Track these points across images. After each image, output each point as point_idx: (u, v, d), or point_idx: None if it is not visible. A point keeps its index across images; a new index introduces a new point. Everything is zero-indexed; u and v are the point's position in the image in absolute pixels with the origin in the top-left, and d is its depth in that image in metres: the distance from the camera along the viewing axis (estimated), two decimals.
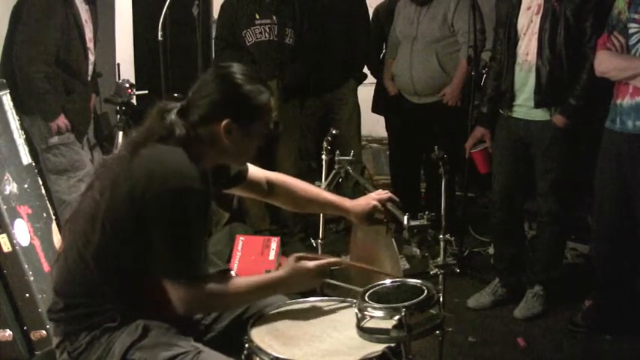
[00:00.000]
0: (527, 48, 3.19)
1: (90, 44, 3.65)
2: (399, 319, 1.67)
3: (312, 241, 2.93)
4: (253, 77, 1.85)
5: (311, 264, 1.90)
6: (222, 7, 4.20)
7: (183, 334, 1.81)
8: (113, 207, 1.74)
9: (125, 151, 1.80)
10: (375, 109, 4.79)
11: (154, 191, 1.69)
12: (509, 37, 3.25)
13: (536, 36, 3.14)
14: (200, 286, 1.75)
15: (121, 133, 3.92)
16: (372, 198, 2.22)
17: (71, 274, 1.82)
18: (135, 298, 1.78)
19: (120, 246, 1.75)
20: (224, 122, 1.79)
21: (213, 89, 1.81)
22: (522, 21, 3.21)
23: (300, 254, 1.93)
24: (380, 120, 4.74)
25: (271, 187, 2.21)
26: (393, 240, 2.22)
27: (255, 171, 2.17)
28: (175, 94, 3.98)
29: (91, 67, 3.70)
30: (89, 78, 3.71)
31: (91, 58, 3.68)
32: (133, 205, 1.71)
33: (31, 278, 2.78)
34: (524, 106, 3.25)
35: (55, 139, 3.52)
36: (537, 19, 3.14)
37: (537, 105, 3.18)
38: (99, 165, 1.92)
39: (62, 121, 3.50)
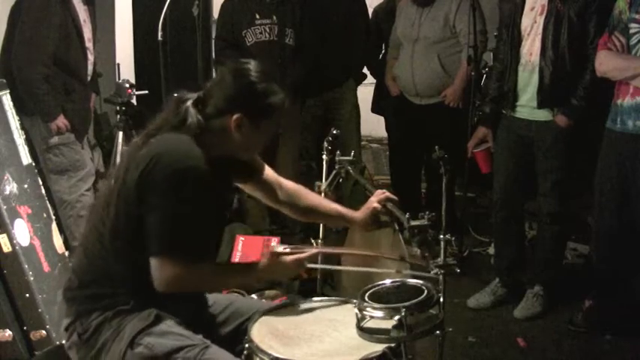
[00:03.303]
0: (531, 48, 3.19)
1: (89, 44, 3.65)
2: (399, 319, 1.67)
3: (312, 240, 2.93)
4: (269, 77, 1.91)
5: (288, 260, 1.94)
6: (223, 7, 4.19)
7: (194, 331, 1.83)
8: (124, 191, 1.79)
9: (140, 139, 1.86)
10: (375, 109, 4.78)
11: (157, 171, 1.74)
12: (513, 38, 3.25)
13: (539, 37, 3.14)
14: (188, 268, 1.75)
15: (121, 133, 3.92)
16: (372, 201, 2.24)
17: (89, 254, 1.88)
18: (147, 284, 1.79)
19: (130, 230, 1.79)
20: (235, 116, 1.85)
21: (228, 83, 1.88)
22: (526, 21, 3.21)
23: (279, 251, 1.97)
24: (380, 120, 4.74)
25: (282, 194, 2.23)
26: (401, 238, 2.22)
27: (270, 173, 2.19)
28: (175, 94, 3.98)
29: (90, 67, 3.69)
30: (89, 78, 3.70)
31: (90, 58, 3.67)
32: (139, 188, 1.76)
33: (31, 278, 2.77)
34: (527, 106, 3.25)
35: (55, 140, 3.52)
36: (541, 20, 3.14)
37: (540, 105, 3.18)
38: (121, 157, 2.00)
39: (62, 121, 3.50)
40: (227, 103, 1.86)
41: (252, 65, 1.89)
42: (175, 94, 1.94)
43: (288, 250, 1.97)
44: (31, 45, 3.36)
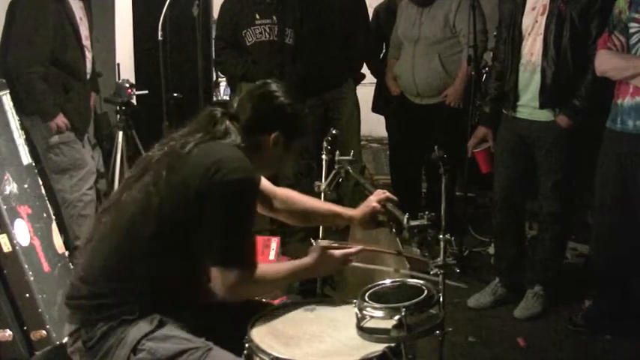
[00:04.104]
0: (532, 48, 3.19)
1: (86, 42, 3.63)
2: (399, 319, 1.67)
3: (312, 240, 2.92)
4: (297, 97, 2.00)
5: (337, 253, 2.01)
6: (223, 7, 4.20)
7: (196, 334, 1.83)
8: (171, 202, 1.79)
9: (178, 147, 1.85)
10: (375, 108, 4.78)
11: (217, 180, 1.76)
12: (514, 38, 3.24)
13: (541, 37, 3.14)
14: (250, 276, 1.81)
15: (121, 133, 3.92)
16: (371, 200, 2.24)
17: (103, 265, 1.85)
18: (157, 294, 1.81)
19: (174, 240, 1.80)
20: (274, 134, 1.92)
21: (260, 104, 1.95)
22: (527, 21, 3.21)
23: (325, 244, 2.03)
24: (380, 120, 4.74)
25: (277, 203, 2.26)
26: (398, 240, 2.22)
27: (266, 184, 2.22)
28: (175, 94, 3.98)
29: (88, 65, 3.67)
30: (88, 76, 3.69)
31: (88, 55, 3.65)
32: (192, 196, 1.77)
33: (31, 278, 2.77)
34: (528, 106, 3.25)
35: (55, 139, 3.51)
36: (542, 20, 3.14)
37: (542, 106, 3.18)
38: (141, 160, 1.98)
39: (61, 120, 3.49)
40: (262, 123, 1.92)
41: (276, 86, 1.98)
42: (207, 108, 1.97)
43: (335, 245, 2.03)
44: (26, 45, 3.35)
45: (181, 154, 1.83)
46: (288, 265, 2.00)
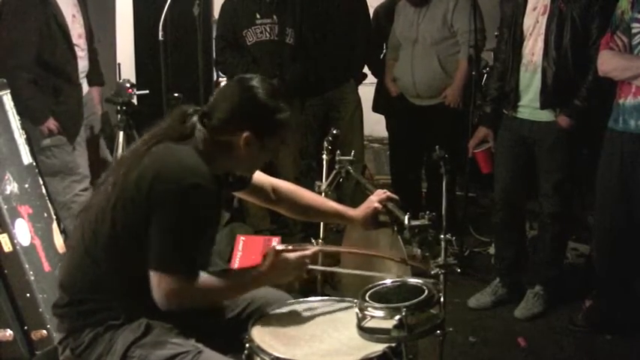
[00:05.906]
0: (533, 49, 3.19)
1: (79, 40, 3.57)
2: (400, 319, 1.67)
3: (313, 240, 2.92)
4: (275, 92, 1.88)
5: (292, 256, 1.91)
6: (223, 6, 4.20)
7: (185, 335, 1.82)
8: (122, 200, 1.76)
9: (140, 147, 1.83)
10: (376, 108, 4.78)
11: (163, 186, 1.72)
12: (515, 38, 3.24)
13: (542, 37, 3.14)
14: (188, 283, 1.75)
15: (121, 133, 3.91)
16: (372, 200, 2.23)
17: (77, 268, 1.84)
18: (139, 296, 1.78)
19: (127, 240, 1.76)
20: (245, 134, 1.82)
21: (235, 100, 1.85)
22: (528, 22, 3.21)
23: (281, 247, 1.94)
24: (381, 120, 4.74)
25: (277, 195, 2.22)
26: (400, 239, 2.21)
27: (260, 176, 2.18)
28: (175, 94, 3.98)
29: (81, 64, 3.61)
30: (81, 75, 3.64)
31: (81, 54, 3.60)
32: (141, 200, 1.73)
33: (32, 278, 2.78)
34: (529, 106, 3.25)
35: (47, 141, 3.48)
36: (543, 20, 3.14)
37: (543, 106, 3.18)
38: (115, 161, 1.95)
39: (52, 123, 3.46)
40: (234, 120, 1.83)
41: (257, 81, 1.87)
42: (180, 106, 1.91)
43: (290, 248, 1.95)
44: (10, 51, 3.30)
45: (141, 153, 1.79)
46: (238, 273, 1.93)
